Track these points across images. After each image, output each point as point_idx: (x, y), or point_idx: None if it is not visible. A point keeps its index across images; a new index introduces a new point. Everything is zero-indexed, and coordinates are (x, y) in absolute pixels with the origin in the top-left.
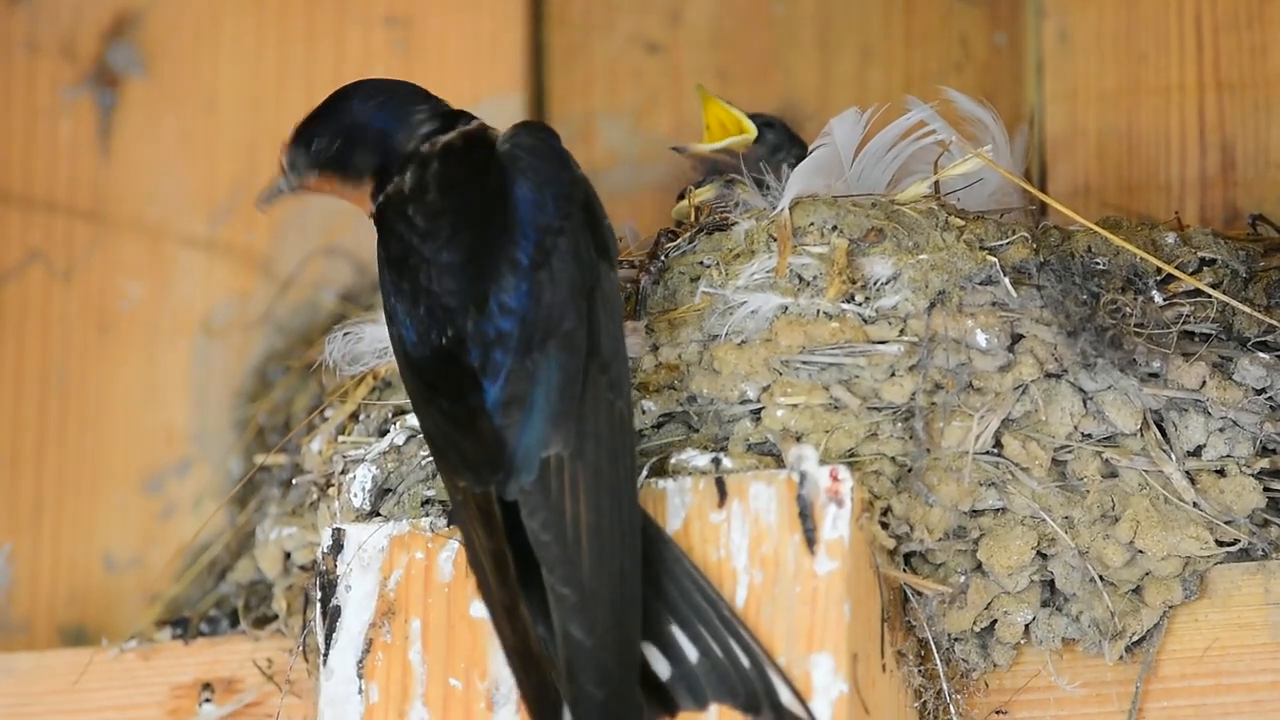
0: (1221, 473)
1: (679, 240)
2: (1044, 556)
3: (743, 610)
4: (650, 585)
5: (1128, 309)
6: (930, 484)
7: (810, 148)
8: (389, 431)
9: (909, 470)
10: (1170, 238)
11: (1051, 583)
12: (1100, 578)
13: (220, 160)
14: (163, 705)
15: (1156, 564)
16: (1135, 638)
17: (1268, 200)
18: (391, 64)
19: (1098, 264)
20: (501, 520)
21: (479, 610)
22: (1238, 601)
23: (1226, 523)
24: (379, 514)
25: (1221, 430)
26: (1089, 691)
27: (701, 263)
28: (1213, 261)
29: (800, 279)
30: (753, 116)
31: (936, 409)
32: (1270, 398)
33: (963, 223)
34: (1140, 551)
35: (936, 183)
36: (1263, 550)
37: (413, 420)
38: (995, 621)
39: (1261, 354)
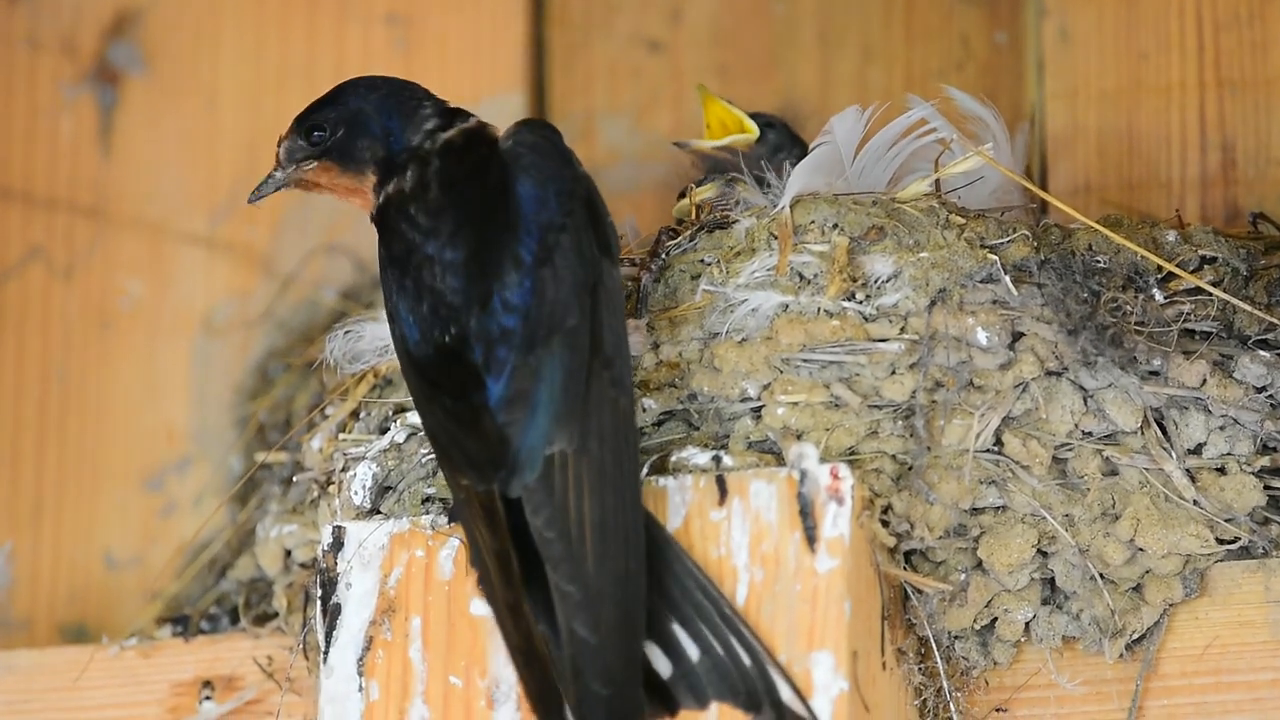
0: (1222, 470)
1: (680, 238)
2: (1044, 554)
3: (743, 608)
4: (651, 583)
5: (1128, 307)
6: (931, 482)
7: (811, 146)
8: (389, 429)
9: (909, 468)
10: (1171, 236)
11: (1052, 580)
12: (1100, 575)
13: (221, 158)
14: (163, 703)
15: (1157, 562)
16: (1135, 636)
17: (1268, 198)
18: (392, 62)
19: (1098, 262)
20: (505, 518)
21: (479, 608)
22: (1238, 599)
23: (1227, 520)
24: (379, 512)
25: (1222, 428)
26: (1089, 689)
27: (702, 261)
28: (1213, 259)
29: (801, 277)
30: (754, 116)
31: (937, 407)
32: (1271, 396)
33: (963, 221)
34: (1141, 549)
35: (937, 181)
36: (1263, 548)
37: (413, 418)
38: (995, 619)
39: (1262, 352)
